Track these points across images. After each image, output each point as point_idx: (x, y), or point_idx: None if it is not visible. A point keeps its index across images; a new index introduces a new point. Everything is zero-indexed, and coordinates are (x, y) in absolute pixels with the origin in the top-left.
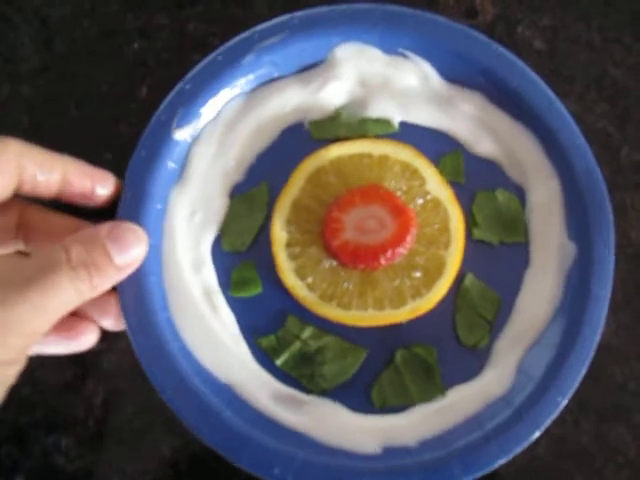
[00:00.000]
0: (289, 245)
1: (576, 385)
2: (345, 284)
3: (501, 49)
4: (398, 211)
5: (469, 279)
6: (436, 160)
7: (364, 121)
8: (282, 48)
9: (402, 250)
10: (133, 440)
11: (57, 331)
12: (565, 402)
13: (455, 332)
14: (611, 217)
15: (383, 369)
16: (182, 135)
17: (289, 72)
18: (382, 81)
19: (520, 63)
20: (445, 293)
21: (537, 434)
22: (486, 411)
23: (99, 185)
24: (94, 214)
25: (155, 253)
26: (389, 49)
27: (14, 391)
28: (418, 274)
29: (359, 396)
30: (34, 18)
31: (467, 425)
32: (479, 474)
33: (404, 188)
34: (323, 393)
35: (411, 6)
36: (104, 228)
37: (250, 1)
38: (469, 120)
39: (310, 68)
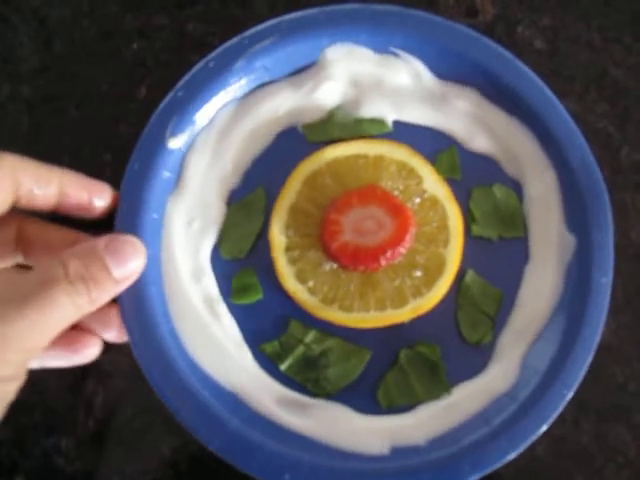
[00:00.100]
0: (288, 249)
1: (581, 377)
2: (346, 286)
3: (492, 44)
4: (396, 211)
5: (470, 276)
6: (432, 158)
7: (358, 122)
8: (273, 52)
9: (401, 250)
10: (133, 440)
11: (59, 345)
12: (571, 394)
13: (458, 329)
14: (609, 206)
15: (388, 369)
16: (176, 143)
17: (281, 76)
18: (374, 81)
19: (512, 57)
20: (446, 291)
21: (544, 428)
22: (492, 407)
23: (96, 197)
24: (92, 225)
25: (154, 263)
26: (380, 48)
27: None
28: (418, 273)
29: (365, 397)
30: (33, 18)
31: (474, 422)
32: (488, 470)
33: (401, 187)
34: (329, 396)
35: (410, 6)
36: (102, 241)
37: (250, 1)
38: (463, 117)
39: (302, 71)
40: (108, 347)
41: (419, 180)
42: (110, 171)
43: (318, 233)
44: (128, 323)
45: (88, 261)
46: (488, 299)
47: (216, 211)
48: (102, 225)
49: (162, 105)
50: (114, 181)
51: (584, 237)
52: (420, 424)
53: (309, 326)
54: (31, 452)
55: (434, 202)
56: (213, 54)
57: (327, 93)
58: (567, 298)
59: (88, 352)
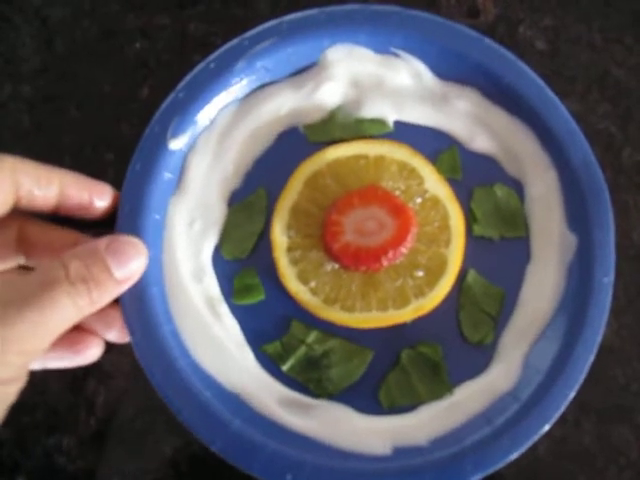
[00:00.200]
0: (290, 250)
1: (583, 377)
2: (348, 286)
3: (493, 44)
4: (397, 211)
5: (471, 276)
6: (433, 158)
7: (359, 122)
8: (273, 53)
9: (403, 250)
10: (134, 440)
11: (60, 345)
12: (573, 394)
13: (460, 329)
14: (610, 205)
15: (390, 370)
16: (177, 145)
17: (282, 76)
18: (375, 81)
19: (513, 57)
20: (448, 291)
21: (546, 428)
22: (494, 407)
23: (97, 197)
24: (93, 226)
25: (156, 264)
26: (380, 49)
27: None
28: (420, 273)
29: (367, 398)
30: (35, 18)
31: (476, 421)
32: (491, 470)
33: (402, 187)
34: (331, 397)
35: (411, 6)
36: (103, 242)
37: (251, 1)
38: (464, 117)
39: (302, 71)
40: (109, 347)
41: (420, 180)
42: (112, 171)
43: (320, 233)
44: (130, 323)
45: (89, 262)
46: (490, 299)
47: (217, 212)
48: (103, 226)
49: (163, 106)
50: (116, 181)
51: (585, 236)
52: (422, 424)
53: (311, 326)
54: (32, 452)
55: (435, 202)
56: (214, 55)
57: (328, 93)
58: (569, 298)
59: (90, 353)
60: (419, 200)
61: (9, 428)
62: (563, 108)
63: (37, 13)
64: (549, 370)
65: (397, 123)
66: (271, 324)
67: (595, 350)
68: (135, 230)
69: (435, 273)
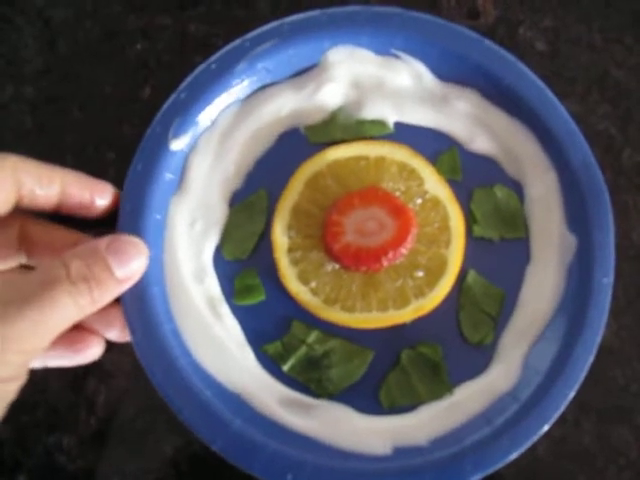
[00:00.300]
0: (290, 250)
1: (583, 377)
2: (348, 287)
3: (493, 46)
4: (398, 211)
5: (471, 276)
6: (433, 159)
7: (360, 123)
8: (274, 54)
9: (403, 250)
10: (135, 439)
11: (61, 344)
12: (572, 394)
13: (460, 330)
14: (610, 206)
15: (390, 370)
16: (178, 145)
17: (283, 77)
18: (376, 82)
19: (513, 59)
20: (448, 291)
21: (546, 428)
22: (494, 407)
23: (98, 196)
24: (94, 225)
25: (157, 264)
26: (381, 50)
27: None
28: (420, 274)
29: (367, 398)
30: (37, 19)
31: (476, 422)
32: (490, 470)
33: (402, 188)
34: (331, 397)
35: (412, 8)
36: (104, 242)
37: (252, 2)
38: (464, 118)
39: (303, 72)
40: (110, 346)
41: (420, 181)
42: (114, 171)
43: (320, 234)
44: (131, 323)
45: (90, 261)
46: (490, 299)
47: (218, 212)
48: (104, 225)
49: (164, 107)
50: (118, 181)
51: (585, 237)
52: (422, 424)
53: (311, 327)
54: (33, 450)
55: (435, 203)
56: (215, 56)
57: (329, 95)
58: (568, 298)
59: (90, 352)
60: (419, 201)
61: (10, 426)
62: (563, 109)
63: (39, 14)
64: (549, 371)
65: (397, 124)
66: (272, 324)
67: (595, 351)
68: (136, 230)
69: (435, 274)
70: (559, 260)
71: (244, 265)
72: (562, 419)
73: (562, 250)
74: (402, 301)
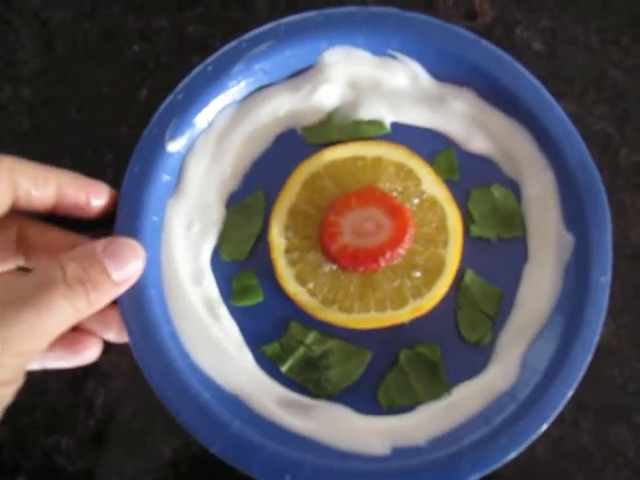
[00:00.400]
0: (288, 251)
1: (581, 376)
2: (346, 287)
3: (489, 46)
4: (395, 212)
5: (469, 276)
6: (430, 159)
7: (356, 123)
8: (271, 55)
9: (401, 251)
10: (133, 441)
11: (59, 346)
12: (571, 393)
13: (458, 329)
14: (607, 205)
15: (388, 370)
16: (175, 147)
17: (279, 78)
18: (372, 83)
19: (509, 59)
20: (446, 291)
21: (544, 427)
22: (492, 406)
23: (94, 197)
24: (92, 226)
25: (154, 266)
26: (377, 50)
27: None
28: (418, 274)
29: (366, 398)
30: (34, 21)
31: (474, 421)
32: (489, 470)
33: (399, 189)
34: (330, 397)
35: (409, 8)
36: (100, 244)
37: (250, 3)
38: (461, 118)
39: (300, 73)
40: (108, 348)
41: (417, 181)
42: (112, 172)
43: (317, 235)
44: (128, 325)
45: (87, 264)
46: (487, 299)
47: (216, 214)
48: (102, 227)
49: (161, 108)
50: (115, 182)
51: (582, 236)
52: (421, 424)
53: (309, 327)
54: (32, 452)
55: (433, 203)
56: (212, 57)
57: (325, 95)
58: (566, 297)
59: (88, 353)
60: (416, 201)
61: (8, 428)
62: (559, 109)
63: (37, 15)
64: (547, 370)
65: (394, 124)
66: (270, 325)
67: (592, 349)
68: (133, 232)
69: (433, 274)
70: (557, 259)
71: (242, 266)
72: (560, 418)
73: (559, 249)
74: (400, 301)
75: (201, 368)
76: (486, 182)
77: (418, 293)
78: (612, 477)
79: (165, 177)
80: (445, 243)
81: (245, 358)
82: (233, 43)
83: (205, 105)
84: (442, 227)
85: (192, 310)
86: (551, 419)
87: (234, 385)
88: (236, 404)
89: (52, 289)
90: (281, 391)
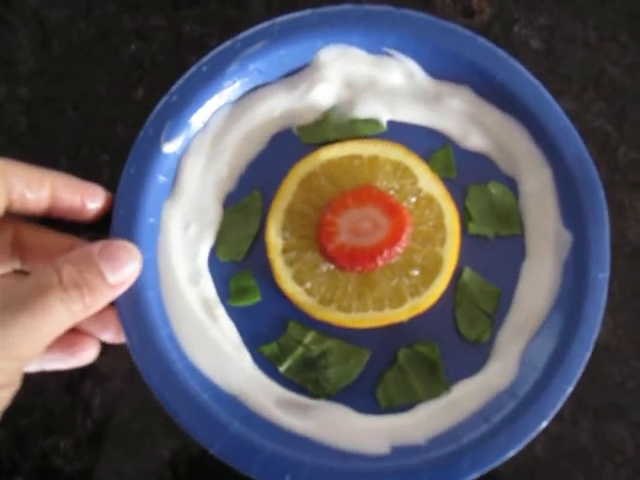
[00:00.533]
0: (285, 251)
1: (580, 373)
2: (343, 287)
3: (485, 43)
4: (392, 210)
5: (467, 274)
6: (427, 157)
7: (353, 122)
8: (266, 55)
9: (398, 249)
10: (131, 442)
11: (56, 348)
12: (570, 390)
13: (456, 327)
14: (604, 202)
15: (387, 369)
16: (171, 148)
17: (275, 78)
18: (368, 81)
19: (505, 55)
20: (444, 289)
21: (544, 424)
22: (492, 404)
23: (89, 199)
24: (88, 228)
25: (151, 267)
26: (373, 49)
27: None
28: (416, 272)
29: (365, 397)
30: (31, 20)
31: (473, 419)
32: (488, 468)
33: (396, 187)
34: (329, 397)
35: (407, 6)
36: (96, 247)
37: (246, 2)
38: (458, 115)
39: (295, 73)
40: (105, 349)
41: (414, 179)
42: (108, 172)
43: (315, 234)
44: (126, 327)
45: (83, 267)
46: (486, 297)
47: (212, 214)
48: (98, 229)
49: (156, 109)
50: (112, 182)
51: (580, 233)
52: (420, 423)
53: (308, 327)
54: (30, 453)
55: (430, 201)
56: (206, 58)
57: (321, 94)
58: (565, 294)
59: (86, 355)
60: (413, 199)
61: (6, 429)
62: (556, 105)
63: (34, 15)
64: (546, 367)
65: (391, 123)
66: (268, 325)
67: (591, 346)
68: (130, 234)
69: (431, 272)
70: (555, 256)
71: (239, 267)
72: (559, 416)
73: (557, 246)
74: (398, 300)
75: (199, 369)
76: (483, 179)
77: (416, 292)
78: (611, 475)
79: (161, 178)
80: (443, 241)
81: (243, 358)
82: (227, 43)
83: (200, 106)
84: (439, 225)
85: (190, 311)
86: (550, 417)
87: (233, 385)
88: (235, 405)
89: (48, 293)
90: (280, 391)
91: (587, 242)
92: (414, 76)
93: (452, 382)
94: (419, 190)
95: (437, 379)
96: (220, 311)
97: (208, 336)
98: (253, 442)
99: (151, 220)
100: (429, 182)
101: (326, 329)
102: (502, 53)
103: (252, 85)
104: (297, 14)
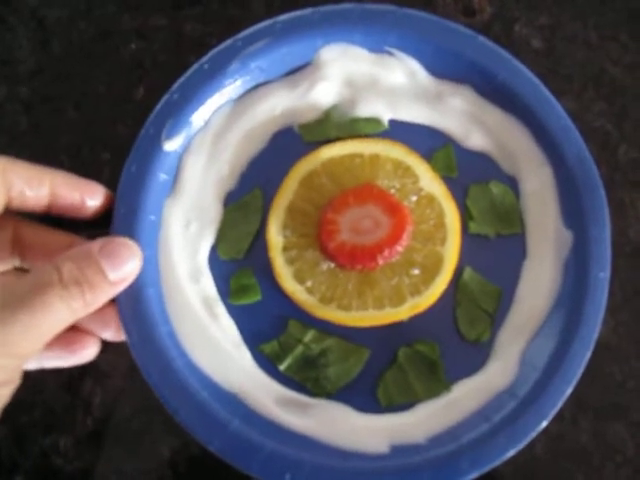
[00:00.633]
0: (286, 249)
1: (580, 373)
2: (344, 285)
3: (487, 42)
4: (393, 209)
5: (468, 273)
6: (428, 156)
7: (354, 121)
8: (267, 53)
9: (399, 248)
10: (131, 440)
11: (56, 345)
12: (570, 390)
13: (457, 327)
14: (605, 201)
15: (387, 368)
16: (172, 146)
17: (276, 76)
18: (369, 80)
19: (506, 55)
20: (444, 289)
21: (544, 424)
22: (492, 404)
23: (88, 197)
24: (89, 226)
25: (152, 265)
26: (374, 47)
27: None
28: (416, 271)
29: (365, 396)
30: (31, 19)
31: (473, 419)
32: (488, 468)
33: (397, 186)
34: (329, 395)
35: (408, 5)
36: (97, 244)
37: (247, 2)
38: (459, 114)
39: (297, 71)
40: (105, 347)
41: (415, 178)
42: (109, 170)
43: (315, 233)
44: (126, 324)
45: (83, 264)
46: (486, 296)
47: (213, 212)
48: (99, 227)
49: (157, 108)
50: (112, 181)
51: (581, 232)
52: (420, 422)
53: (308, 326)
54: (30, 451)
55: (431, 200)
56: (207, 56)
57: (322, 93)
58: (565, 294)
59: (86, 353)
60: (414, 198)
61: (6, 427)
62: (557, 105)
63: (33, 14)
64: (546, 367)
65: (392, 122)
66: (268, 324)
67: (592, 346)
68: (130, 231)
69: (431, 271)
70: (555, 255)
71: (240, 265)
72: (559, 416)
73: (558, 245)
74: (398, 299)
75: (199, 367)
76: (484, 179)
77: (416, 291)
78: (611, 475)
79: (162, 176)
80: (443, 240)
81: (243, 357)
82: (229, 41)
83: (201, 104)
84: (440, 224)
85: (190, 309)
86: (550, 416)
87: (232, 384)
88: (235, 403)
89: (47, 290)
90: (280, 389)
91: (588, 241)
92: (415, 75)
93: (452, 381)
94: (420, 189)
95: (437, 378)
96: (220, 309)
97: (208, 334)
98: (253, 440)
99: (152, 218)
100: (430, 181)
101: (326, 328)
102: (503, 52)
103: (253, 83)
104: (298, 12)
